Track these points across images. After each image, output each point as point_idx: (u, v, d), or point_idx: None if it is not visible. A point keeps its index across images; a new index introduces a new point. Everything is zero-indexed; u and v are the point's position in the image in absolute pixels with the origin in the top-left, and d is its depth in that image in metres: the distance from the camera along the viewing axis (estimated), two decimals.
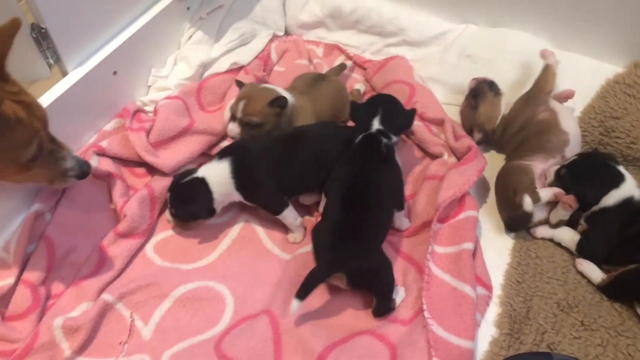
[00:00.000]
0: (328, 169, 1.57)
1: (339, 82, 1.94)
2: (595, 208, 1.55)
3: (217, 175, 1.55)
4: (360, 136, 1.57)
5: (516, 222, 1.61)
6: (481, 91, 1.78)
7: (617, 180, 1.55)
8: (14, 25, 1.20)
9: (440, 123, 1.83)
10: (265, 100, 1.65)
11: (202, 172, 1.56)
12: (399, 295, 1.45)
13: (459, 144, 1.73)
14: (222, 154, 1.59)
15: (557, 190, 1.57)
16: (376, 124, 1.57)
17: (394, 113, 1.61)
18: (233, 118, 1.71)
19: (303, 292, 1.34)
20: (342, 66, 2.02)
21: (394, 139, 1.57)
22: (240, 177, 1.55)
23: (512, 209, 1.60)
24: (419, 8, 2.09)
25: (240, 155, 1.58)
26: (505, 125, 1.76)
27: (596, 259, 1.53)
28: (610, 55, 1.84)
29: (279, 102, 1.65)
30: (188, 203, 1.55)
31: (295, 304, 1.33)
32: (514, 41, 1.93)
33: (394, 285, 1.43)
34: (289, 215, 1.58)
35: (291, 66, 2.13)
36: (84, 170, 1.41)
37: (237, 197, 1.58)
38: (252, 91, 1.70)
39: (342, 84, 1.97)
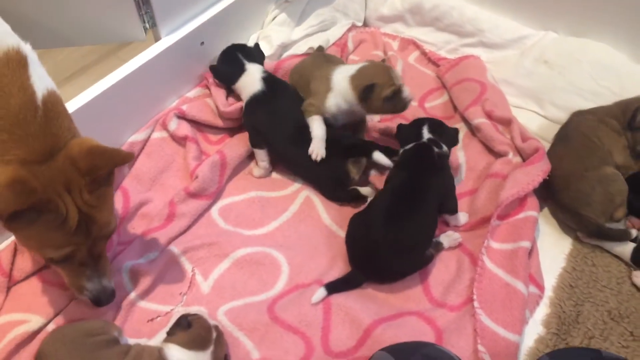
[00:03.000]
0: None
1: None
2: None
3: (253, 73, 1.78)
4: (412, 144, 1.61)
5: (609, 233, 1.59)
6: None
7: None
8: (122, 158, 1.14)
9: (507, 123, 1.84)
10: None
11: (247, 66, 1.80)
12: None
13: (526, 145, 1.74)
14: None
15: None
16: (426, 134, 1.61)
17: (441, 127, 1.65)
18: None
19: (333, 288, 1.44)
20: (320, 48, 2.06)
21: (445, 148, 1.59)
22: (265, 86, 1.75)
23: (606, 217, 1.59)
24: (500, 11, 2.10)
25: (275, 85, 1.77)
26: None
27: None
28: None
29: None
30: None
31: (321, 293, 1.43)
32: (593, 52, 1.91)
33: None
34: (258, 154, 1.73)
35: (366, 56, 2.18)
36: (100, 298, 1.26)
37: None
38: None
39: None
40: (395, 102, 1.64)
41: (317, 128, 1.66)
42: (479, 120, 1.85)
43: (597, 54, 1.90)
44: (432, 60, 2.18)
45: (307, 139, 1.65)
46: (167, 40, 1.73)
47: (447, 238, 1.57)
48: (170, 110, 1.78)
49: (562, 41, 1.98)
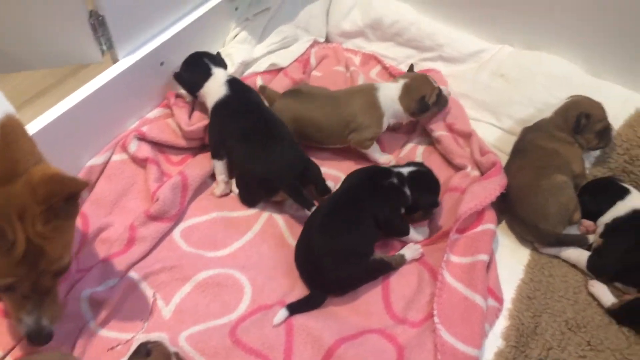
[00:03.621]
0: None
1: None
2: (607, 221, 1.60)
3: (218, 78, 1.77)
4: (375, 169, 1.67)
5: (567, 240, 1.63)
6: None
7: (621, 193, 1.63)
8: (76, 186, 1.11)
9: (467, 136, 1.87)
10: None
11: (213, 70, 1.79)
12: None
13: (484, 158, 1.77)
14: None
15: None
16: (405, 171, 1.63)
17: (424, 182, 1.65)
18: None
19: (294, 309, 1.45)
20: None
21: (408, 193, 1.59)
22: (230, 89, 1.75)
23: (563, 225, 1.63)
24: (457, 26, 2.14)
25: (239, 87, 1.78)
26: None
27: (606, 274, 1.56)
28: None
29: None
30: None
31: (282, 314, 1.43)
32: (547, 64, 1.95)
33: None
34: (217, 166, 1.72)
35: (328, 72, 2.20)
36: (32, 338, 1.19)
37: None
38: None
39: None
40: (439, 103, 1.85)
41: (378, 151, 1.86)
42: (440, 132, 1.88)
43: (551, 67, 1.95)
44: (393, 75, 2.20)
45: (271, 138, 1.66)
46: (126, 62, 1.72)
47: (409, 250, 1.59)
48: (131, 132, 1.77)
49: (518, 55, 2.02)
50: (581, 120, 1.70)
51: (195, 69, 1.81)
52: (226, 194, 1.77)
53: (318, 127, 1.80)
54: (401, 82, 1.83)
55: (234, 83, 1.78)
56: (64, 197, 1.08)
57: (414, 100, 1.80)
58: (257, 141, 1.66)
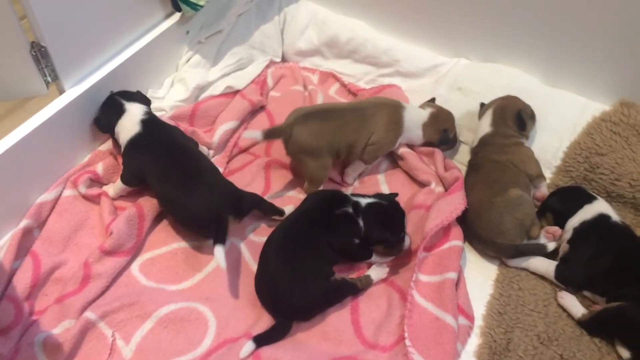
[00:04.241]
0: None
1: None
2: (576, 225, 1.60)
3: (132, 115, 1.70)
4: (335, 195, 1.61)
5: (527, 249, 1.63)
6: None
7: (589, 198, 1.64)
8: None
9: (430, 153, 1.86)
10: None
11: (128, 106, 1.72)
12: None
13: (448, 174, 1.76)
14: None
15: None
16: (363, 202, 1.58)
17: (384, 216, 1.59)
18: None
19: (261, 340, 1.40)
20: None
21: (361, 224, 1.54)
22: (143, 128, 1.68)
23: (521, 239, 1.62)
24: (413, 41, 2.14)
25: (154, 126, 1.71)
26: None
27: (575, 283, 1.56)
28: (598, 93, 1.87)
29: None
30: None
31: (248, 347, 1.37)
32: (505, 76, 1.97)
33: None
34: (115, 186, 1.69)
35: (286, 92, 2.17)
36: None
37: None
38: None
39: None
40: (454, 142, 1.90)
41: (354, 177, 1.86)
42: (404, 149, 1.87)
43: (509, 79, 1.96)
44: (352, 92, 2.19)
45: (191, 179, 1.59)
46: (73, 93, 1.65)
47: (374, 271, 1.56)
48: (83, 172, 1.71)
49: (474, 67, 2.03)
50: (522, 116, 1.76)
51: (108, 109, 1.73)
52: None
53: (349, 144, 1.74)
54: (429, 111, 1.86)
55: (149, 122, 1.70)
56: None
57: (438, 131, 1.84)
58: (178, 183, 1.59)
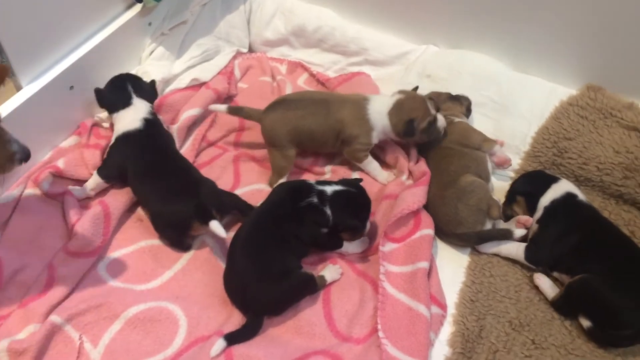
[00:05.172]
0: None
1: None
2: (546, 203, 1.61)
3: (137, 110, 1.71)
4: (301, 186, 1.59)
5: (490, 235, 1.63)
6: None
7: (554, 178, 1.66)
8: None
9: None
10: None
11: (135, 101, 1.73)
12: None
13: (416, 167, 1.76)
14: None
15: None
16: (329, 190, 1.55)
17: (352, 208, 1.57)
18: None
19: (233, 338, 1.38)
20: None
21: (328, 213, 1.52)
22: (145, 127, 1.69)
23: (482, 224, 1.62)
24: (381, 29, 2.12)
25: (155, 130, 1.71)
26: None
27: (543, 263, 1.57)
28: (565, 77, 1.88)
29: None
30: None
31: (219, 344, 1.35)
32: (473, 62, 1.96)
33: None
34: (97, 182, 1.65)
35: (254, 83, 2.14)
36: (27, 153, 1.37)
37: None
38: None
39: None
40: (429, 132, 1.70)
41: (376, 168, 1.77)
42: None
43: (477, 65, 1.95)
44: (321, 82, 2.16)
45: (170, 178, 1.60)
46: (30, 89, 1.60)
47: (328, 271, 1.53)
48: (45, 168, 1.65)
49: (443, 54, 2.02)
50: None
51: (117, 92, 1.73)
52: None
53: (311, 136, 1.72)
54: (395, 98, 1.72)
55: (151, 123, 1.70)
56: None
57: (402, 121, 1.68)
58: (160, 187, 1.58)
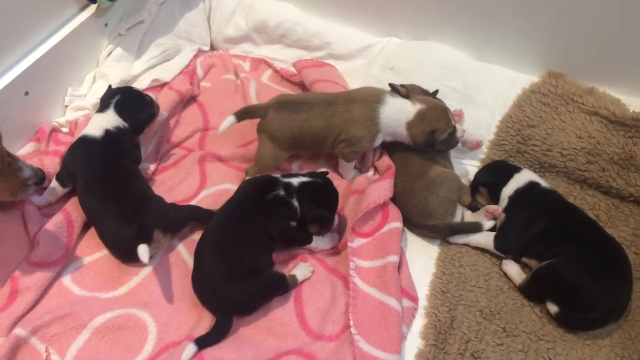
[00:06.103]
0: None
1: None
2: (510, 193, 1.63)
3: (106, 119, 1.66)
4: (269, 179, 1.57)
5: (461, 228, 1.64)
6: None
7: (516, 168, 1.70)
8: None
9: None
10: None
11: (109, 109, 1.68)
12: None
13: (380, 161, 1.75)
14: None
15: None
16: (295, 182, 1.54)
17: (322, 198, 1.57)
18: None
19: (204, 342, 1.36)
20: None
21: (296, 204, 1.51)
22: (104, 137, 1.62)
23: (452, 214, 1.63)
24: (343, 22, 2.10)
25: (116, 141, 1.64)
26: None
27: (514, 250, 1.59)
28: (527, 65, 1.89)
29: None
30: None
31: (190, 349, 1.33)
32: (436, 53, 1.96)
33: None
34: (54, 190, 1.62)
35: (218, 81, 2.10)
36: (40, 177, 1.43)
37: None
38: None
39: None
40: (449, 143, 1.66)
41: (351, 167, 1.76)
42: None
43: (439, 56, 1.95)
44: (285, 78, 2.14)
45: (112, 197, 1.54)
46: None
47: (299, 270, 1.52)
48: None
49: (405, 46, 2.01)
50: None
51: (106, 96, 1.72)
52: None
53: (314, 137, 1.68)
54: (417, 107, 1.62)
55: (112, 137, 1.63)
56: None
57: (423, 132, 1.61)
58: (105, 200, 1.53)
